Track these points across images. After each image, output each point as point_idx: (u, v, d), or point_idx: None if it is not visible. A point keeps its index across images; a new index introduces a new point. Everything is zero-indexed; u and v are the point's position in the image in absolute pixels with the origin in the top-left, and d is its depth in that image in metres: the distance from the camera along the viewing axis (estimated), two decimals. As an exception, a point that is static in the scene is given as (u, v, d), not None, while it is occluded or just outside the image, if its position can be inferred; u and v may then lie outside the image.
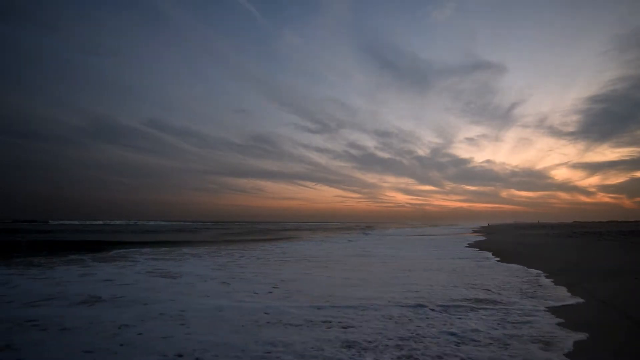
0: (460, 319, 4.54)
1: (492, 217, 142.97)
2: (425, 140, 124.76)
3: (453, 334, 3.96)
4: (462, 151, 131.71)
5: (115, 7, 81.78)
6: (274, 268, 9.41)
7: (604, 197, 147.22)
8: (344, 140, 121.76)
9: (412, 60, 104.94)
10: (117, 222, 50.83)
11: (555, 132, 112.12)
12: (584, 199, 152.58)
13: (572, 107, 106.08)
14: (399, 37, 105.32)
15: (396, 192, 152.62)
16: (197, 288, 6.66)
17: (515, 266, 9.12)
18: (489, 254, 12.54)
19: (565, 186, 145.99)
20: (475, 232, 35.21)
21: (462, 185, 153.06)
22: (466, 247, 16.13)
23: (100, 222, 48.14)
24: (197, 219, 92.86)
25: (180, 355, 3.46)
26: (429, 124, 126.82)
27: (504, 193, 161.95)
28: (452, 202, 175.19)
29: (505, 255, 11.83)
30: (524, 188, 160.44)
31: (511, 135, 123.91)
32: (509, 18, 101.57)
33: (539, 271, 8.23)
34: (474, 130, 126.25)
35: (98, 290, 6.29)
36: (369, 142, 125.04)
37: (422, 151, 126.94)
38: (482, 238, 22.68)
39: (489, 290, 6.31)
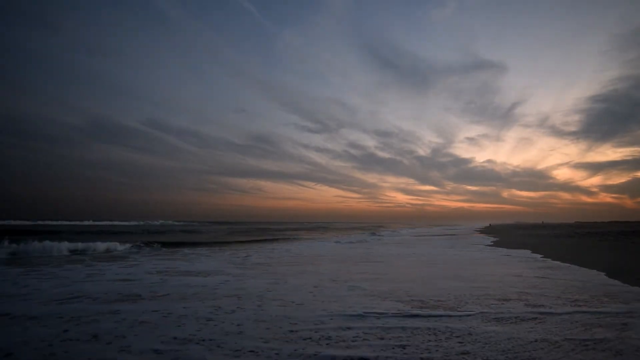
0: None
1: (493, 217, 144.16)
2: (426, 140, 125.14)
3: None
4: (462, 151, 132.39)
5: (115, 7, 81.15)
6: (309, 267, 9.15)
7: (606, 197, 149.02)
8: (344, 140, 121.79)
9: (412, 60, 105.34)
10: (117, 223, 50.16)
11: (557, 132, 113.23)
12: (585, 199, 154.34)
13: (573, 106, 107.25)
14: (399, 37, 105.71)
15: (396, 192, 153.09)
16: (249, 284, 6.42)
17: (567, 264, 8.86)
18: (528, 252, 12.45)
19: (567, 186, 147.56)
20: (481, 232, 35.11)
21: (463, 185, 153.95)
22: (488, 245, 16.03)
23: (100, 223, 47.45)
24: (196, 219, 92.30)
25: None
26: (429, 124, 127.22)
27: (505, 193, 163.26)
28: (452, 202, 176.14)
29: (547, 254, 11.56)
30: (525, 188, 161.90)
31: (512, 135, 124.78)
32: (509, 17, 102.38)
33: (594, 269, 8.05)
34: (475, 130, 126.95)
35: (125, 289, 6.02)
36: (369, 142, 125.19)
37: (422, 151, 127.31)
38: (495, 238, 22.56)
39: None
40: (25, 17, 69.19)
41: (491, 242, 18.61)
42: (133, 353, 3.28)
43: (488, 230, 38.84)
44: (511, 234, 28.90)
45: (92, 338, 3.63)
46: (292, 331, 3.77)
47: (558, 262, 9.33)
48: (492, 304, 4.80)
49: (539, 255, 11.08)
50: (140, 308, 4.73)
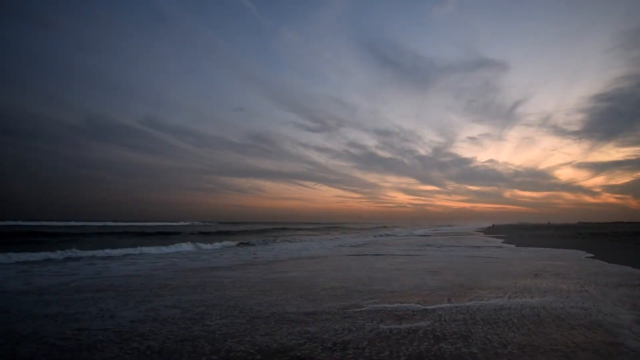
0: None
1: (495, 217, 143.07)
2: (427, 140, 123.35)
3: None
4: (464, 150, 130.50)
5: (112, 4, 78.42)
6: (348, 263, 9.51)
7: (609, 198, 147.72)
8: (344, 139, 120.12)
9: (413, 58, 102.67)
10: (115, 224, 50.21)
11: (559, 131, 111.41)
12: (588, 199, 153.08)
13: (576, 105, 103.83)
14: (400, 34, 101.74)
15: (397, 192, 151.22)
16: (289, 276, 6.79)
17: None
18: (573, 251, 12.50)
19: (570, 186, 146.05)
20: (486, 233, 34.96)
21: (465, 186, 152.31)
22: (504, 243, 16.40)
23: (99, 224, 47.12)
24: (195, 219, 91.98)
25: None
26: (430, 123, 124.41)
27: (507, 193, 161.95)
28: (454, 203, 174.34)
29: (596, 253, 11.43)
30: (527, 188, 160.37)
31: (514, 134, 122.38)
32: (511, 14, 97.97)
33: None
34: (477, 129, 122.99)
35: (154, 281, 6.07)
36: (370, 141, 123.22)
37: (423, 150, 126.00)
38: (502, 239, 22.86)
39: None
40: (21, 15, 67.74)
41: (503, 241, 18.97)
42: (216, 305, 3.71)
43: (496, 231, 38.48)
44: (520, 234, 29.15)
45: (201, 300, 4.05)
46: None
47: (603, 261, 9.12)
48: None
49: (589, 254, 11.11)
50: (192, 292, 5.08)
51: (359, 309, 3.99)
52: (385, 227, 55.70)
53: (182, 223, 60.42)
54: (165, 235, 22.34)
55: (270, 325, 3.38)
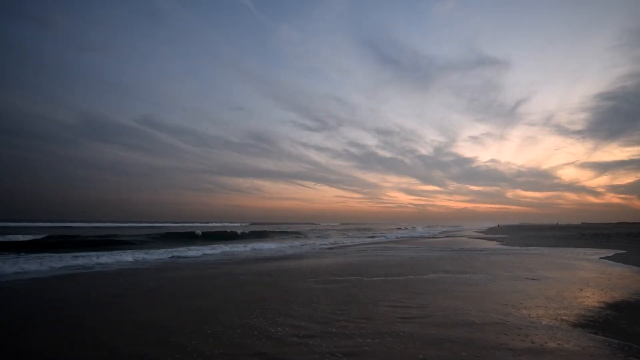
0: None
1: (498, 218, 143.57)
2: (428, 139, 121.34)
3: None
4: (465, 150, 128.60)
5: (108, 2, 78.86)
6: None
7: (613, 198, 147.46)
8: (344, 138, 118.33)
9: (414, 56, 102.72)
10: (112, 224, 50.52)
11: (562, 131, 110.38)
12: (592, 199, 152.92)
13: (579, 104, 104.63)
14: (400, 32, 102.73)
15: (398, 192, 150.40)
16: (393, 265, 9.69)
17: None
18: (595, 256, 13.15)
19: (573, 186, 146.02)
20: (491, 238, 35.28)
21: (466, 186, 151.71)
22: (502, 245, 18.90)
23: (98, 225, 46.96)
24: (193, 219, 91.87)
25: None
26: (431, 122, 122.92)
27: (510, 193, 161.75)
28: (456, 203, 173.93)
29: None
30: (530, 188, 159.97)
31: (516, 133, 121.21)
32: (513, 12, 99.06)
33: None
34: (478, 129, 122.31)
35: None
36: (370, 141, 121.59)
37: (424, 150, 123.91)
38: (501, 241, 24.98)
39: None
40: (15, 12, 68.00)
41: (513, 243, 21.45)
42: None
43: (500, 231, 39.53)
44: (529, 236, 30.72)
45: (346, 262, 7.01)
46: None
47: None
48: None
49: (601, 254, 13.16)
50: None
51: (318, 278, 6.90)
52: (405, 228, 57.89)
53: (202, 224, 63.10)
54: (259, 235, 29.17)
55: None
